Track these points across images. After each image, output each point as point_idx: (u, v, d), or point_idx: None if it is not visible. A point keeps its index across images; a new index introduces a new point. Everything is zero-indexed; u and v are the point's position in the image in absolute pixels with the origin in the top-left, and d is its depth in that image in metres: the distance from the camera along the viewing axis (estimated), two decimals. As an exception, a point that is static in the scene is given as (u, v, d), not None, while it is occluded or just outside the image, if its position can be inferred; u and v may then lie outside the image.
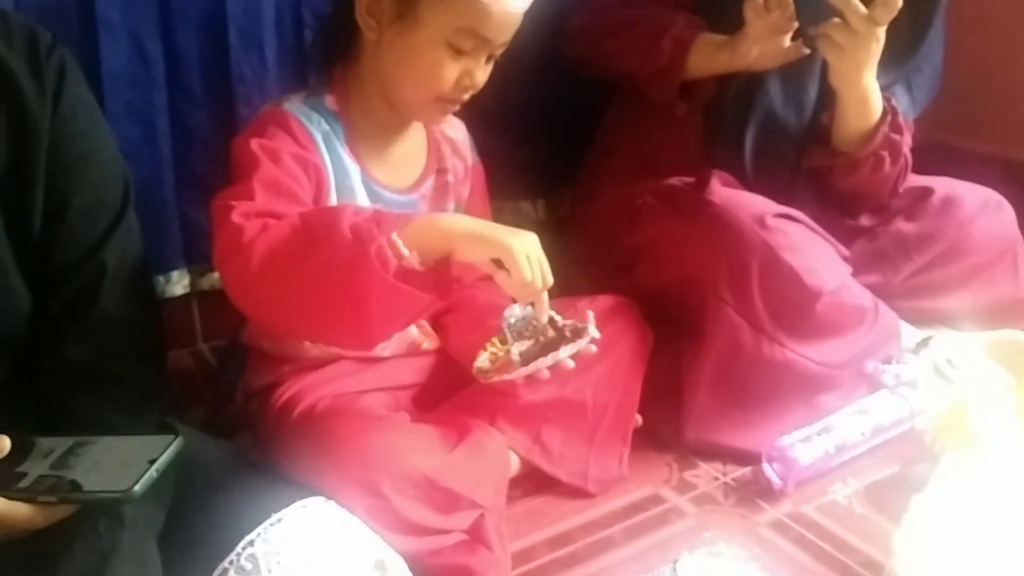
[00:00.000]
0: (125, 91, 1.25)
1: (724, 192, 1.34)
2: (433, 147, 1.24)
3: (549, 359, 1.06)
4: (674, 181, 1.39)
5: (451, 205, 1.26)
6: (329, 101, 1.15)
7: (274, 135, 1.08)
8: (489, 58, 1.13)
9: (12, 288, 0.85)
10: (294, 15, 1.35)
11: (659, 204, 1.39)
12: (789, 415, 1.30)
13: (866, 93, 1.33)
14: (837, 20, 1.24)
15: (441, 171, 1.24)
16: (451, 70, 1.10)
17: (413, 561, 0.98)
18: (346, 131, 1.14)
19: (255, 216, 0.98)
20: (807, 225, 1.35)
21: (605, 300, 1.32)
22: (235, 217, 0.98)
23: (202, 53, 1.30)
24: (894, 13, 1.24)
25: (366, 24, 1.10)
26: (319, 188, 1.11)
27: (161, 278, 1.36)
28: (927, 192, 1.51)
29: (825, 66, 1.34)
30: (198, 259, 1.39)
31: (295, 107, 1.12)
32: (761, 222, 1.28)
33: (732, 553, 1.14)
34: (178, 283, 1.38)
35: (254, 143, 1.06)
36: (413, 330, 1.22)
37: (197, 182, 1.34)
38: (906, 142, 1.42)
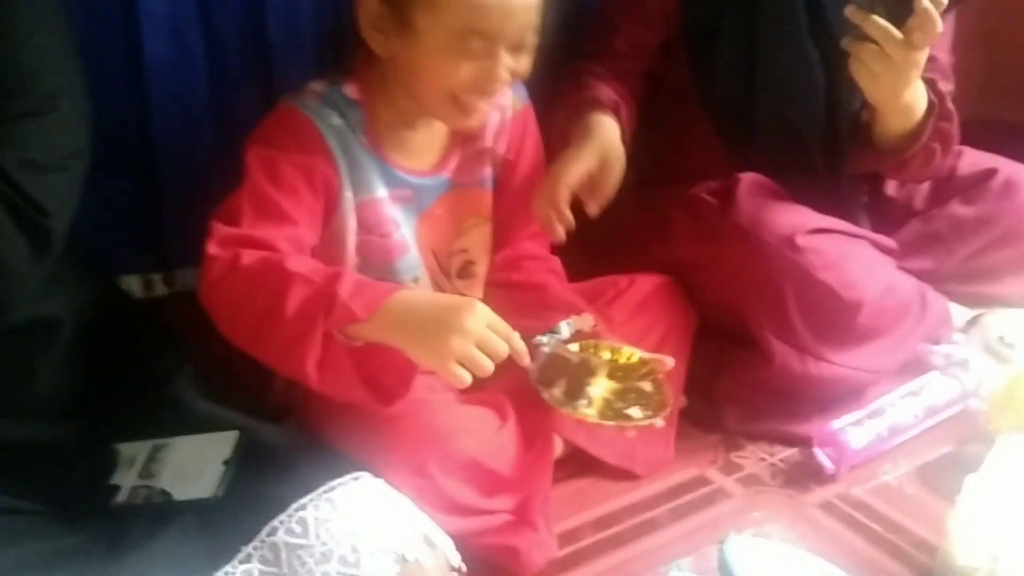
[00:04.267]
0: (168, 81, 1.26)
1: (750, 208, 1.28)
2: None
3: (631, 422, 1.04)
4: (701, 191, 1.34)
5: (487, 170, 1.22)
6: (349, 89, 1.12)
7: (279, 140, 1.07)
8: (518, 48, 1.08)
9: None
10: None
11: (686, 221, 1.34)
12: (840, 412, 1.27)
13: (908, 104, 1.23)
14: (871, 45, 1.13)
15: (470, 140, 1.20)
16: (465, 72, 1.05)
17: (459, 541, 0.98)
18: (365, 119, 1.12)
19: (231, 244, 0.99)
20: (843, 232, 1.30)
21: (646, 282, 1.31)
22: (211, 248, 1.00)
23: (241, 40, 1.30)
24: (935, 37, 1.14)
25: (373, 40, 1.08)
26: (328, 194, 1.09)
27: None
28: (988, 174, 1.45)
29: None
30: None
31: (308, 105, 1.10)
32: (791, 244, 1.24)
33: (780, 534, 1.12)
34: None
35: (253, 153, 1.06)
36: None
37: (242, 169, 1.34)
38: (956, 127, 1.34)
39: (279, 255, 0.99)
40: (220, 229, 1.01)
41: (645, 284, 1.31)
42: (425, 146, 1.18)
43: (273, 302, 0.95)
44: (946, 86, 1.33)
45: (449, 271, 1.22)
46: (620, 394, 1.06)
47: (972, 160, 1.47)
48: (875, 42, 1.13)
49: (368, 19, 1.07)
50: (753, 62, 1.32)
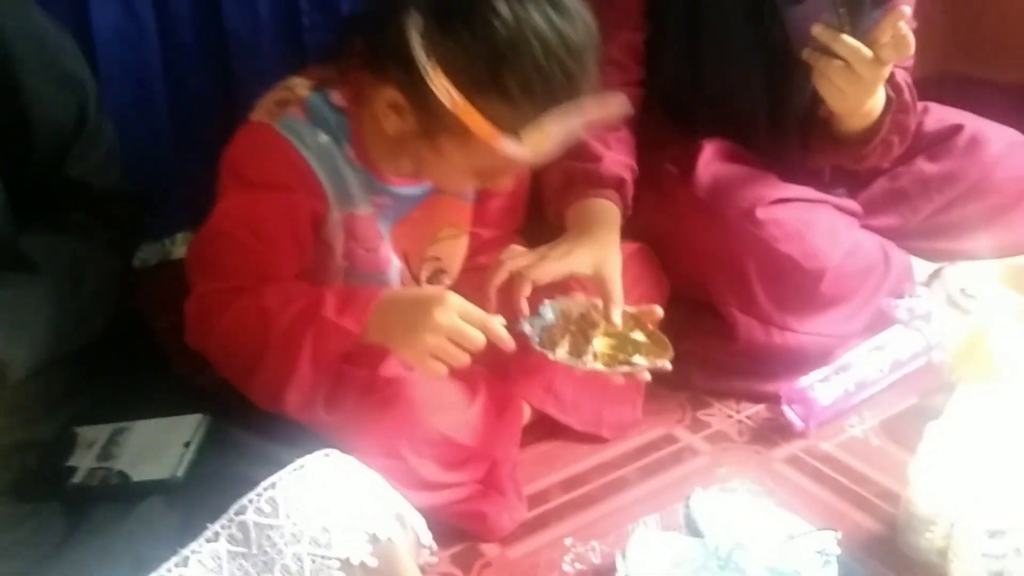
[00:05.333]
0: (118, 51, 1.24)
1: (710, 180, 1.27)
2: None
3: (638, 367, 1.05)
4: (664, 158, 1.32)
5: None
6: (337, 97, 1.05)
7: (257, 173, 1.02)
8: None
9: None
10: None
11: (649, 193, 1.31)
12: (807, 370, 1.28)
13: (869, 109, 1.21)
14: (838, 62, 1.10)
15: None
16: (474, 180, 1.06)
17: (428, 512, 0.97)
18: (352, 129, 1.05)
19: (209, 296, 0.99)
20: (804, 199, 1.30)
21: (621, 248, 1.30)
22: (189, 304, 1.00)
23: (194, 10, 1.28)
24: (908, 53, 1.11)
25: (384, 116, 0.99)
26: (314, 220, 1.05)
27: (166, 240, 1.36)
28: (954, 131, 1.44)
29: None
30: (204, 221, 1.37)
31: (289, 124, 1.02)
32: (750, 216, 1.24)
33: (747, 489, 1.14)
34: (182, 245, 1.38)
35: (231, 197, 1.02)
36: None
37: (198, 142, 1.33)
38: (914, 111, 1.33)
39: (256, 294, 0.97)
40: (199, 285, 1.00)
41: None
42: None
43: (260, 341, 0.95)
44: (905, 61, 1.29)
45: (419, 276, 1.19)
46: (618, 347, 1.07)
47: (938, 116, 1.46)
48: (841, 57, 1.10)
49: (386, 100, 0.98)
50: (697, 55, 1.31)
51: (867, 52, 1.09)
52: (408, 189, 1.12)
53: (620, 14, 1.29)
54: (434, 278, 1.21)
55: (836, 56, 1.10)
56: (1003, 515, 0.95)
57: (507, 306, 1.06)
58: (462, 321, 0.94)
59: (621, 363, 1.05)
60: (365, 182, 1.07)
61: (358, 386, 1.05)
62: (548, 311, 1.05)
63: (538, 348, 1.04)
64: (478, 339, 0.94)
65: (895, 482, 1.11)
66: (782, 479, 1.16)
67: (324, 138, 1.03)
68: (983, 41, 1.94)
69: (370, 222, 1.10)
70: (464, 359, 0.95)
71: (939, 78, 1.67)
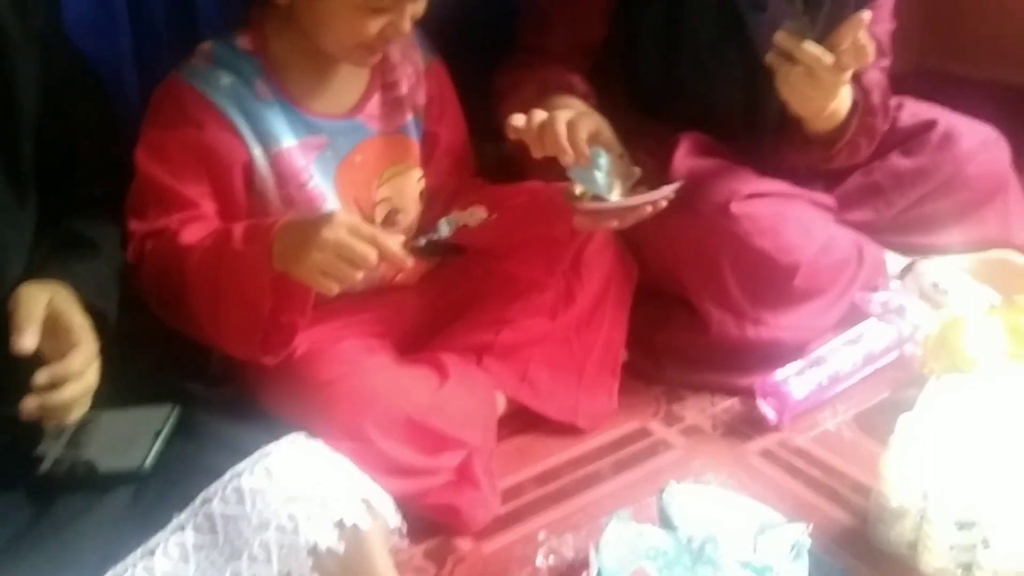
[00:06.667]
0: (89, 38, 1.22)
1: (686, 174, 1.27)
2: (377, 61, 1.16)
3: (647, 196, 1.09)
4: (641, 152, 1.28)
5: (409, 118, 1.19)
6: (242, 42, 1.10)
7: (166, 118, 1.07)
8: None
9: None
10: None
11: None
12: (781, 363, 1.28)
13: (833, 110, 1.22)
14: (800, 68, 1.10)
15: (389, 86, 1.17)
16: (372, 25, 1.04)
17: (401, 501, 0.97)
18: (265, 67, 1.09)
19: (140, 242, 1.04)
20: (779, 194, 1.30)
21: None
22: (127, 252, 1.03)
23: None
24: (867, 61, 1.11)
25: None
26: (234, 158, 1.08)
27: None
28: (928, 126, 1.45)
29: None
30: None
31: (194, 71, 1.07)
32: (725, 211, 1.24)
33: (720, 482, 1.14)
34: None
35: (143, 140, 1.06)
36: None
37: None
38: (884, 113, 1.34)
39: (172, 233, 1.02)
40: (131, 230, 1.04)
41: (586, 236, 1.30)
42: (341, 89, 1.15)
43: (178, 279, 0.99)
44: (881, 62, 1.31)
45: (372, 220, 1.18)
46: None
47: (912, 111, 1.47)
48: (803, 63, 1.10)
49: None
50: (673, 60, 1.32)
51: (828, 58, 1.09)
52: (336, 123, 1.14)
53: (576, 13, 1.30)
54: (389, 219, 1.20)
55: (798, 62, 1.11)
56: (971, 507, 0.96)
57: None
58: (350, 237, 0.93)
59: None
60: (286, 117, 1.10)
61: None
62: (443, 226, 1.04)
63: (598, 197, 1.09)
64: (367, 254, 0.93)
65: (867, 475, 1.12)
66: (756, 472, 1.17)
67: (227, 78, 1.08)
68: (960, 38, 1.96)
69: (294, 156, 1.11)
70: (352, 276, 0.94)
71: (916, 74, 1.68)
